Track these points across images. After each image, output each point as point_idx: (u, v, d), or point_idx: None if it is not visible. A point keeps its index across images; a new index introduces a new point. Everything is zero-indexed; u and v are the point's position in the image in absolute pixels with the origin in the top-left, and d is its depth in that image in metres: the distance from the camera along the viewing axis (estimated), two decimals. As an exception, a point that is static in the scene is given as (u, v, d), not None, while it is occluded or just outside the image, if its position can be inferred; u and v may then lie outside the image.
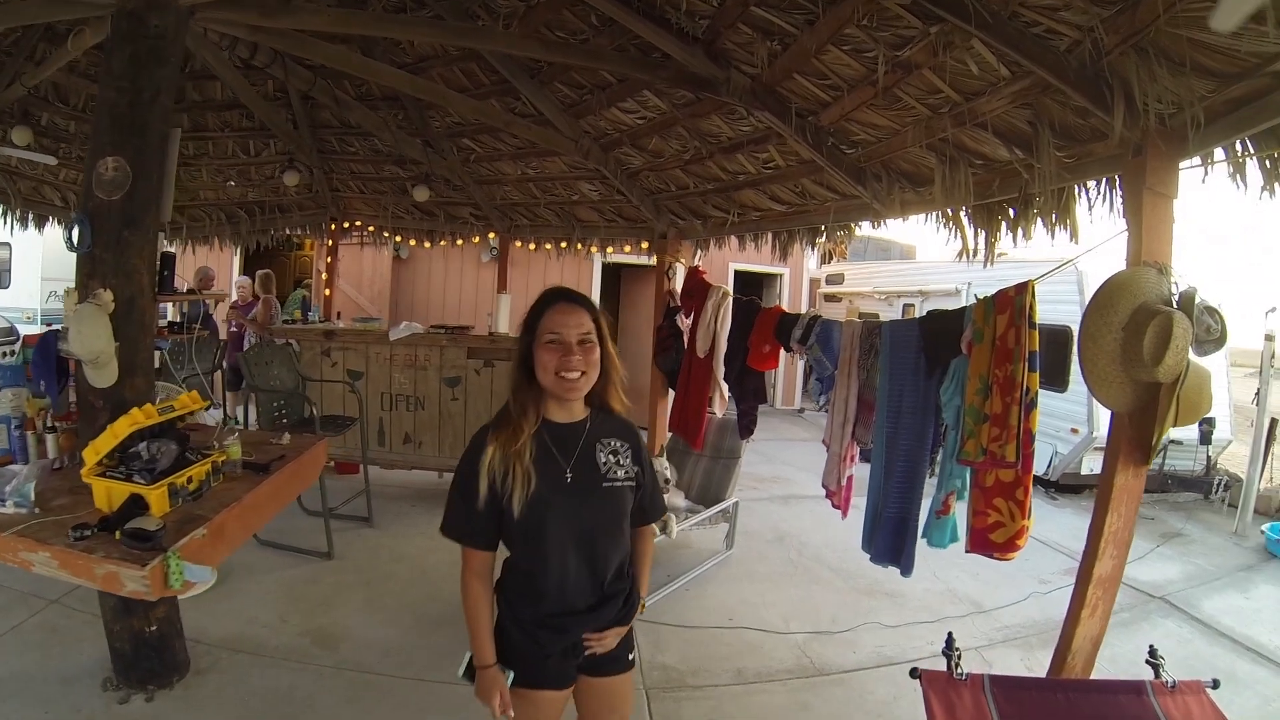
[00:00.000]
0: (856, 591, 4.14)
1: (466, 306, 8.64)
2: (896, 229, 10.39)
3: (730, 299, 4.28)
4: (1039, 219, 2.59)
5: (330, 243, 6.31)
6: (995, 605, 4.01)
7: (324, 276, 6.44)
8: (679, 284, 5.16)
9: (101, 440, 2.11)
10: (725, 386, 4.16)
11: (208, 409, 3.96)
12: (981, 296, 2.28)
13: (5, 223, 5.74)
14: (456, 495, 1.57)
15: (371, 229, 6.39)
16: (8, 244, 8.67)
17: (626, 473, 1.60)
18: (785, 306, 10.33)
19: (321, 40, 3.53)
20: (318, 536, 4.18)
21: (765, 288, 10.84)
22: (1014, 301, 2.13)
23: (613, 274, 9.17)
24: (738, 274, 9.94)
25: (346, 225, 6.33)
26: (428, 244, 6.53)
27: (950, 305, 8.63)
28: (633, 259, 6.84)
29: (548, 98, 4.08)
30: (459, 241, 6.48)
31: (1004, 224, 2.78)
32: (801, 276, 11.06)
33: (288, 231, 6.41)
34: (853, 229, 4.00)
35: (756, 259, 7.00)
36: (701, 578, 4.24)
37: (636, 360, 9.15)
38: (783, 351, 4.02)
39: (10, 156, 4.60)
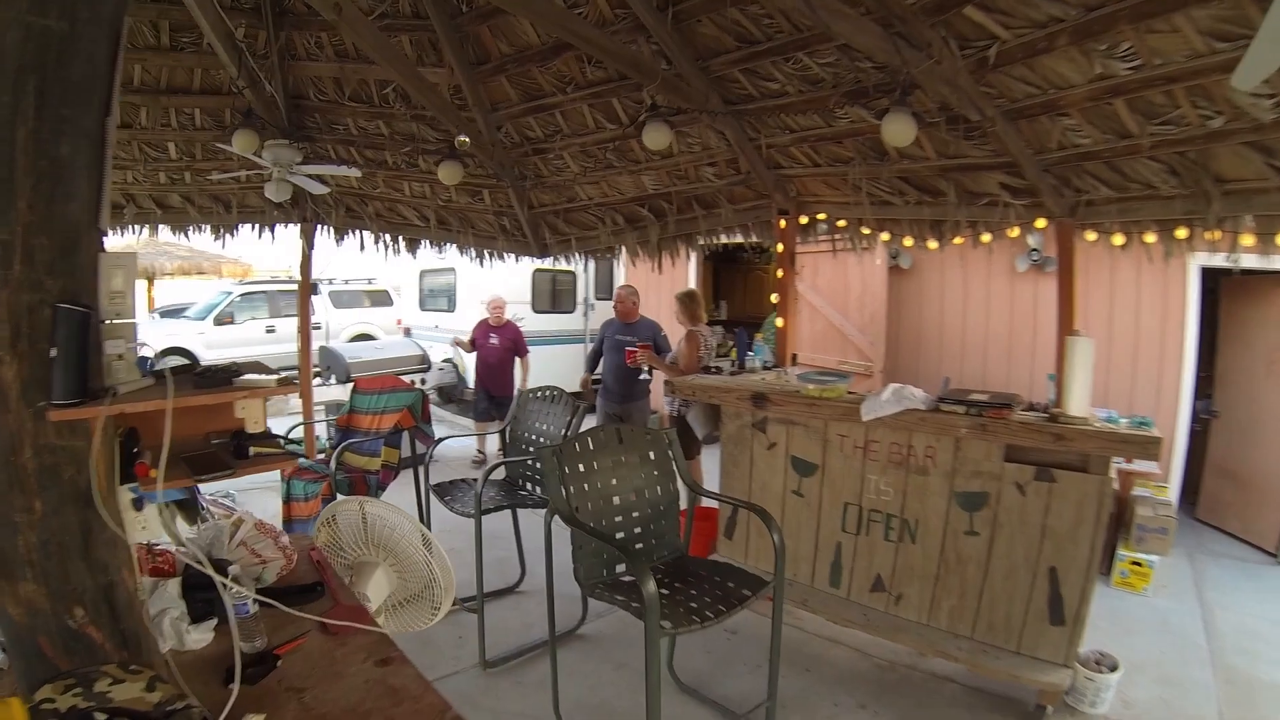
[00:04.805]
0: None
1: (995, 348, 5.46)
2: None
3: None
4: None
5: (781, 248, 4.23)
6: None
7: (774, 299, 4.41)
8: None
9: None
10: None
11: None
12: None
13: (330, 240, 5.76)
14: None
15: (842, 222, 4.08)
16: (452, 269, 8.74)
17: None
18: None
19: None
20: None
21: None
22: None
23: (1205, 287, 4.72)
24: None
25: (805, 220, 4.18)
26: (931, 243, 3.86)
27: None
28: (1217, 260, 3.02)
29: None
30: (985, 238, 3.64)
31: None
32: None
33: (725, 237, 4.60)
34: None
35: None
36: None
37: (1253, 433, 4.45)
38: None
39: (322, 174, 4.05)
